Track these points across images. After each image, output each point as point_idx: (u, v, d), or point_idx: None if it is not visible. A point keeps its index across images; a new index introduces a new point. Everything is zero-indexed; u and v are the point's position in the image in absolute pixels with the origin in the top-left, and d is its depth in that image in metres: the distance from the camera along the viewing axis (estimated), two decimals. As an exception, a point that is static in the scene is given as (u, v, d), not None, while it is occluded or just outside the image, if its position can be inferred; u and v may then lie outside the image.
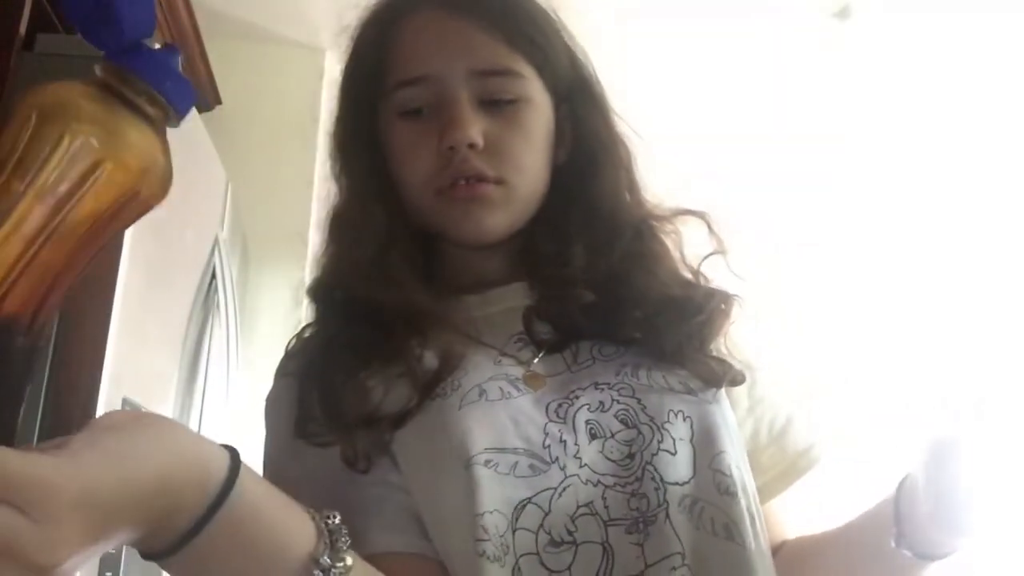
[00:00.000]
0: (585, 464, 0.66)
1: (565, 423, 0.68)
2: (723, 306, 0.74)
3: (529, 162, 0.74)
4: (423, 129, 0.73)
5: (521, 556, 0.63)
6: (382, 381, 0.69)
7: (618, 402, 0.68)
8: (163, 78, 0.43)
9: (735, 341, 0.75)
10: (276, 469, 0.73)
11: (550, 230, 0.77)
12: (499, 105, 0.73)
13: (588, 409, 0.68)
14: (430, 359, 0.70)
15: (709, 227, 0.78)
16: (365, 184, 0.77)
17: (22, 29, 1.41)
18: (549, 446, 0.66)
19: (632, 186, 0.79)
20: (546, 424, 0.68)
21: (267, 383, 0.82)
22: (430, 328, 0.71)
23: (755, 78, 2.81)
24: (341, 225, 0.79)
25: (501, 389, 0.69)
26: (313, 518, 0.55)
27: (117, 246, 1.38)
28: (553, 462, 0.66)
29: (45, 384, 1.31)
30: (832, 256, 3.43)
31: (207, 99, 2.39)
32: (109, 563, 1.36)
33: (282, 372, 0.77)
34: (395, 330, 0.71)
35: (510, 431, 0.67)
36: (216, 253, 1.88)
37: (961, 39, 2.59)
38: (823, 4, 2.52)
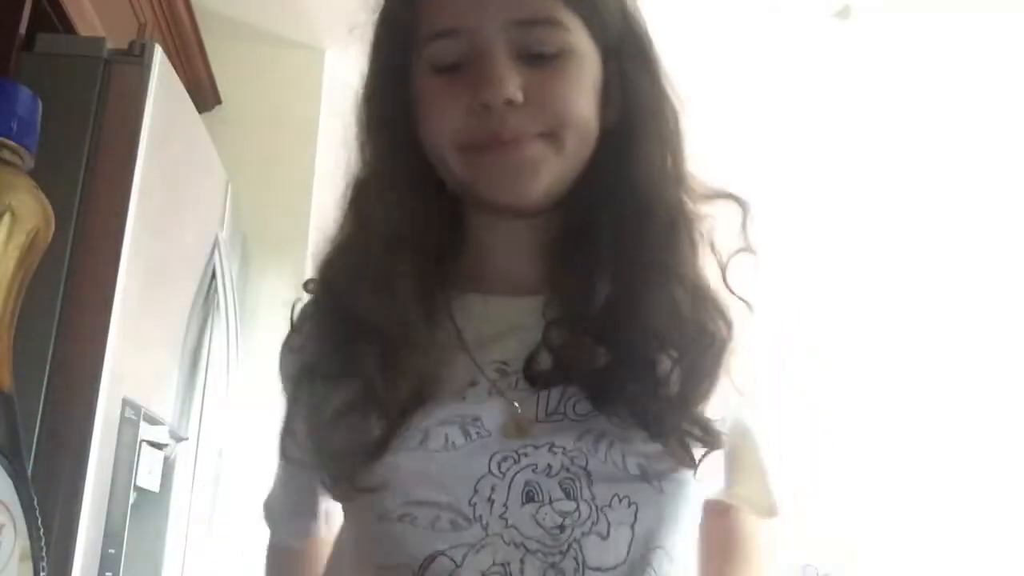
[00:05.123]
0: (512, 525, 0.64)
1: (503, 479, 0.65)
2: (733, 336, 0.68)
3: (577, 112, 0.67)
4: (456, 83, 0.66)
5: None
6: (362, 413, 0.68)
7: (567, 470, 0.65)
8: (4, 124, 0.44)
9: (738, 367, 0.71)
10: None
11: (578, 216, 0.70)
12: (542, 58, 0.66)
13: (532, 470, 0.65)
14: (403, 389, 0.67)
15: (744, 220, 0.72)
16: (393, 149, 0.71)
17: (22, 29, 1.42)
18: (475, 504, 0.65)
19: (676, 157, 0.71)
20: (481, 478, 0.65)
21: (267, 382, 0.84)
22: (408, 356, 0.68)
23: (754, 77, 2.81)
24: (359, 194, 0.73)
25: (447, 437, 0.66)
26: None
27: (117, 246, 1.38)
28: (476, 520, 0.64)
29: (45, 384, 1.31)
30: (830, 256, 3.43)
31: (207, 99, 2.39)
32: (109, 563, 1.36)
33: (287, 346, 0.79)
34: (369, 352, 0.68)
35: (437, 485, 0.65)
36: (216, 253, 1.88)
37: (961, 39, 2.59)
38: (823, 4, 2.52)
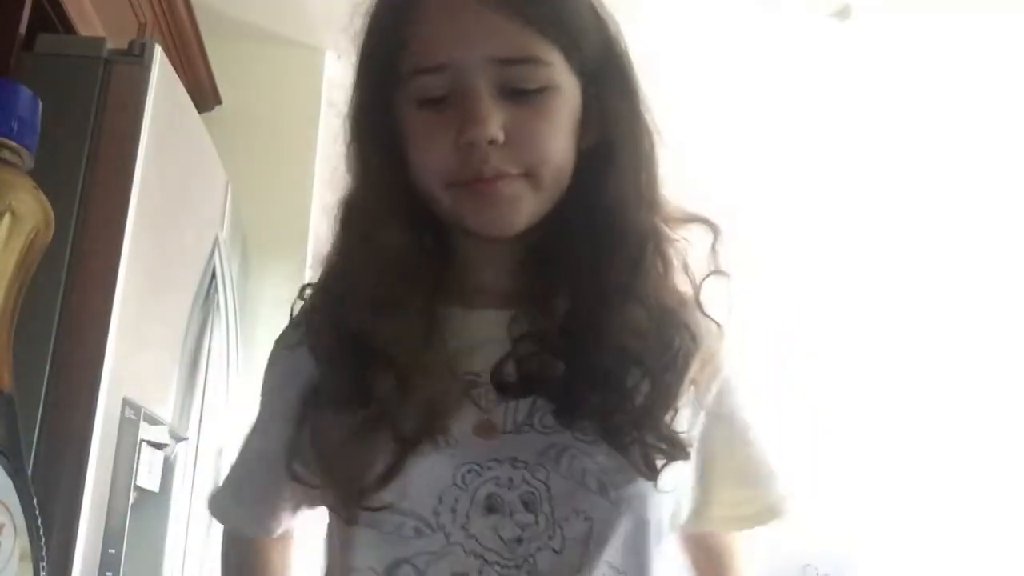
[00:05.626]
0: (472, 535, 0.67)
1: (466, 491, 0.67)
2: (699, 349, 0.71)
3: (555, 151, 0.70)
4: (441, 120, 0.69)
5: None
6: (374, 437, 0.68)
7: (528, 483, 0.67)
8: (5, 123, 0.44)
9: (723, 380, 0.76)
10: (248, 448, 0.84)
11: (556, 234, 0.73)
12: (524, 94, 0.68)
13: (496, 483, 0.67)
14: (415, 415, 0.68)
15: (714, 243, 0.74)
16: (380, 175, 0.74)
17: (22, 29, 1.42)
18: (439, 513, 0.67)
19: (650, 184, 0.74)
20: (445, 490, 0.67)
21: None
22: (420, 381, 0.69)
23: (754, 77, 2.81)
24: (352, 218, 0.75)
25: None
26: None
27: (117, 246, 1.38)
28: (439, 528, 0.67)
29: (45, 384, 1.31)
30: (830, 256, 3.43)
31: (207, 99, 2.40)
32: (109, 563, 1.36)
33: (285, 344, 0.80)
34: (383, 379, 0.69)
35: (402, 492, 0.67)
36: (216, 253, 1.88)
37: (961, 39, 2.59)
38: (823, 4, 2.52)
